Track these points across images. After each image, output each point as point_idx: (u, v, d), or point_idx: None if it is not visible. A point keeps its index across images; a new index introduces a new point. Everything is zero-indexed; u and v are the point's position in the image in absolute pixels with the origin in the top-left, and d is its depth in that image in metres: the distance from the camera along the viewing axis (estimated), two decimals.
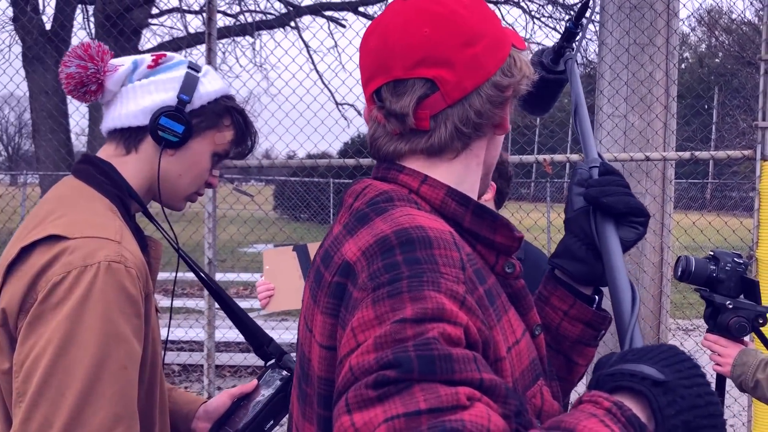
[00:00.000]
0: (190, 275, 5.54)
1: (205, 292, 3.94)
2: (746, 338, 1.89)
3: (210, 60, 3.86)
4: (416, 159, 0.92)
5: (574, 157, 3.81)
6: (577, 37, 1.29)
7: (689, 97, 16.94)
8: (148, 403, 1.21)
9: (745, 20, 19.33)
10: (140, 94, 1.27)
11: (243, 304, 7.46)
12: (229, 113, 1.34)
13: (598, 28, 4.41)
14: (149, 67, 1.29)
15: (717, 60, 25.23)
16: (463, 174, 0.94)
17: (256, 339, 1.46)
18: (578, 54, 1.30)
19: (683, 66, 27.12)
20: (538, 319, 0.97)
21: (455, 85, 0.88)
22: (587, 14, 1.31)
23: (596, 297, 1.08)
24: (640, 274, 3.92)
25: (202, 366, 4.28)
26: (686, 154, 3.64)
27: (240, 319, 1.47)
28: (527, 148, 17.75)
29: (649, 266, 3.91)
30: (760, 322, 1.79)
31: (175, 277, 1.39)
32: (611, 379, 0.74)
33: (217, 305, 6.32)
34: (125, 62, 1.28)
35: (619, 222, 0.99)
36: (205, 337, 3.96)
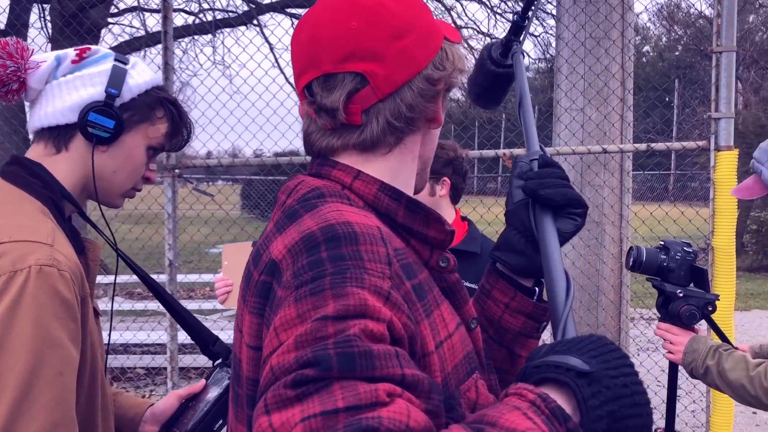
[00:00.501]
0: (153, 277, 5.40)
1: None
2: (698, 326, 1.92)
3: (167, 59, 3.81)
4: (349, 154, 0.92)
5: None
6: (524, 31, 1.29)
7: (650, 90, 17.22)
8: (90, 409, 1.18)
9: (702, 14, 19.71)
10: (66, 90, 1.23)
11: (207, 304, 7.36)
12: (161, 105, 1.31)
13: (555, 23, 4.46)
14: (73, 62, 1.25)
15: (676, 53, 25.70)
16: (398, 169, 0.93)
17: (201, 339, 1.44)
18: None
19: (644, 59, 27.55)
20: (473, 313, 0.97)
21: (385, 78, 0.87)
22: (533, 8, 1.32)
23: (537, 289, 1.08)
24: (600, 265, 3.97)
25: (166, 368, 4.22)
26: (642, 146, 3.69)
27: (184, 319, 1.44)
28: (487, 143, 17.86)
29: (609, 257, 3.96)
30: (710, 309, 1.82)
31: (115, 278, 1.36)
32: (537, 371, 0.74)
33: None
34: (48, 58, 1.24)
35: (557, 214, 0.99)
36: (168, 339, 3.91)
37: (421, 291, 0.83)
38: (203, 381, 1.43)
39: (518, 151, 3.96)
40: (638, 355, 4.69)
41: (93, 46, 1.29)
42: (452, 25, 1.03)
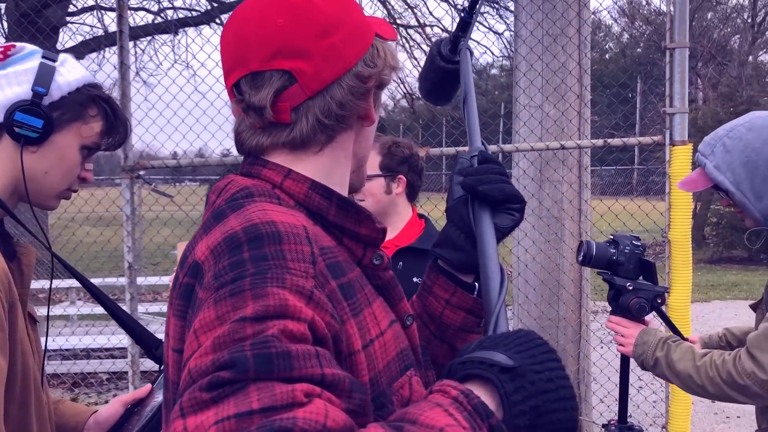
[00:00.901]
0: (112, 280, 5.42)
1: (127, 297, 3.82)
2: (649, 318, 1.95)
3: (123, 58, 3.75)
4: (280, 153, 0.91)
5: (493, 147, 3.86)
6: (470, 27, 1.29)
7: (613, 86, 17.46)
8: (23, 420, 1.15)
9: (662, 11, 20.06)
10: None
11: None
12: (94, 103, 1.27)
13: (513, 20, 4.49)
14: None
15: (638, 50, 26.10)
16: (331, 167, 0.93)
17: (144, 343, 1.41)
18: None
19: (607, 56, 27.94)
20: (409, 309, 0.97)
21: (313, 76, 0.86)
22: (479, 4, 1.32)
23: (477, 284, 1.09)
24: (560, 260, 4.02)
25: (127, 373, 4.16)
26: (599, 142, 3.74)
27: (125, 323, 1.42)
28: (462, 140, 17.97)
29: (568, 252, 4.01)
30: (659, 301, 1.85)
31: (51, 282, 1.33)
32: (462, 367, 0.74)
33: (141, 310, 6.16)
34: None
35: (495, 209, 1.00)
36: (129, 342, 3.85)
37: (349, 289, 0.83)
38: (149, 386, 1.40)
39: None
40: (600, 347, 4.75)
41: (18, 44, 1.25)
42: (388, 21, 1.02)
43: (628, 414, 4.77)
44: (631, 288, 1.86)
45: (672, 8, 3.48)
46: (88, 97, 1.27)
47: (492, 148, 3.83)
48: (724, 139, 1.73)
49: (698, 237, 13.92)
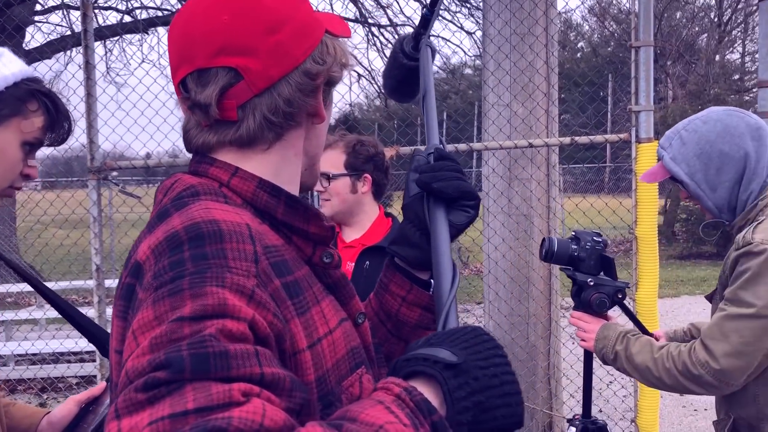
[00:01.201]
0: (79, 282, 5.32)
1: (95, 299, 3.77)
2: (611, 313, 1.97)
3: (88, 58, 3.70)
4: (228, 151, 0.90)
5: (462, 146, 3.87)
6: (431, 23, 1.29)
7: (585, 85, 17.65)
8: None
9: (630, 10, 20.34)
10: None
11: None
12: (34, 97, 1.24)
13: (482, 20, 4.51)
14: None
15: (610, 49, 26.39)
16: (280, 165, 0.92)
17: (97, 340, 1.39)
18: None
19: (579, 55, 28.21)
20: (361, 307, 0.97)
21: (260, 73, 0.86)
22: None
23: (433, 281, 1.09)
24: (530, 257, 4.05)
25: (96, 376, 4.10)
26: (566, 140, 3.77)
27: (77, 322, 1.39)
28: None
29: (538, 249, 4.04)
30: (619, 297, 1.87)
31: None
32: (407, 364, 0.74)
33: (110, 312, 6.08)
34: None
35: (450, 206, 1.00)
36: None
37: (295, 288, 0.82)
38: (103, 383, 1.38)
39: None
40: (570, 343, 4.80)
41: None
42: (342, 18, 1.02)
43: (599, 409, 4.81)
44: (592, 283, 1.88)
45: (637, 8, 3.52)
46: (27, 91, 1.23)
47: (461, 146, 3.85)
48: (681, 132, 1.76)
49: (668, 233, 14.14)
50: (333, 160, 2.32)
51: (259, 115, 0.87)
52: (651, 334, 1.99)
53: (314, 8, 0.97)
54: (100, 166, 3.67)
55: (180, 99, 0.90)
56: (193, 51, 0.86)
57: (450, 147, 3.95)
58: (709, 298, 1.76)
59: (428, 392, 0.71)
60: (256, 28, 0.86)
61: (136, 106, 4.39)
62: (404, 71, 1.26)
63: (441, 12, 12.49)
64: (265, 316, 0.71)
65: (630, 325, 2.01)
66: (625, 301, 1.93)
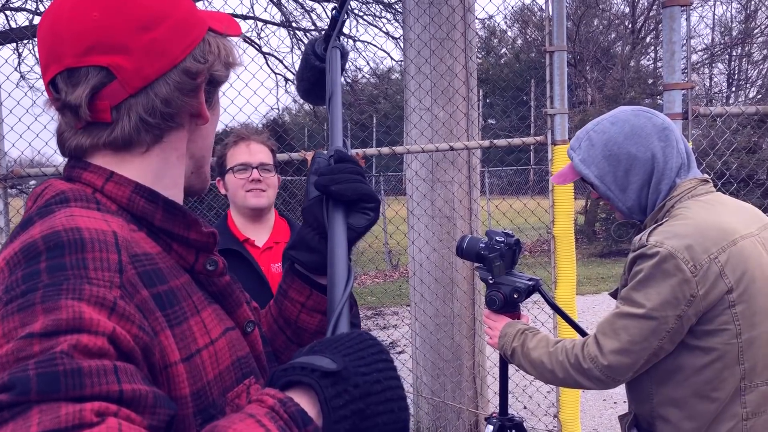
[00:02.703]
0: None
1: None
2: (523, 311, 2.01)
3: None
4: (103, 155, 0.86)
5: (385, 149, 3.90)
6: (339, 25, 1.28)
7: (507, 89, 18.06)
8: None
9: (545, 16, 20.97)
10: None
11: None
12: None
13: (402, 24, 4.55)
14: None
15: (532, 54, 27.11)
16: (161, 169, 0.88)
17: None
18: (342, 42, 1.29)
19: (503, 61, 28.85)
20: (250, 316, 0.94)
21: (134, 72, 0.82)
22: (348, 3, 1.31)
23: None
24: (453, 258, 4.10)
25: None
26: (486, 143, 3.84)
27: None
28: (369, 142, 18.10)
29: None
30: (515, 297, 1.89)
31: None
32: (284, 374, 0.71)
33: None
34: None
35: (350, 209, 0.99)
36: None
37: (170, 298, 0.79)
38: None
39: (370, 151, 4.02)
40: None
41: None
42: (231, 17, 0.99)
43: (523, 405, 4.90)
44: (491, 282, 1.91)
45: (551, 13, 3.63)
46: None
47: (384, 150, 3.87)
48: (590, 133, 1.75)
49: (589, 232, 14.62)
50: (266, 154, 2.33)
51: (134, 116, 0.83)
52: (579, 327, 2.02)
53: (202, 7, 0.94)
54: (7, 174, 3.50)
55: (51, 100, 0.85)
56: (62, 49, 0.82)
57: (373, 150, 3.97)
58: (614, 295, 1.80)
59: (305, 402, 0.68)
60: (129, 25, 0.82)
61: (46, 111, 4.21)
62: (316, 73, 1.24)
63: (364, 16, 12.54)
64: (129, 329, 0.68)
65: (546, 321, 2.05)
66: (551, 296, 1.97)
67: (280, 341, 1.09)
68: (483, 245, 1.91)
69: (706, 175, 1.75)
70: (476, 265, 1.97)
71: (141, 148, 0.86)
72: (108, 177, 0.84)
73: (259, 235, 2.35)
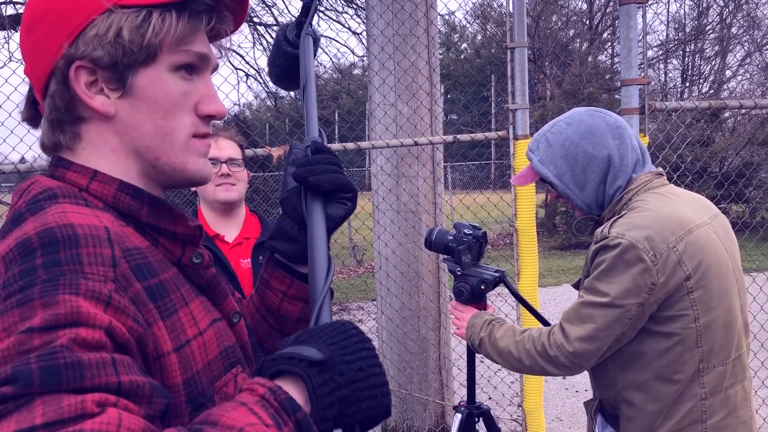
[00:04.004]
0: None
1: None
2: (489, 303, 2.05)
3: None
4: (65, 153, 0.89)
5: (350, 144, 3.91)
6: (311, 11, 1.28)
7: (468, 85, 18.22)
8: None
9: (506, 12, 21.20)
10: None
11: None
12: None
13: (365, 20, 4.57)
14: None
15: (492, 50, 27.38)
16: (105, 165, 0.87)
17: None
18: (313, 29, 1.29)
19: (463, 56, 29.06)
20: (236, 307, 0.96)
21: (32, 77, 0.86)
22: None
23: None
24: (418, 252, 4.15)
25: None
26: (449, 138, 3.89)
27: None
28: (332, 138, 18.08)
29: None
30: (482, 288, 1.95)
31: None
32: (273, 363, 0.74)
33: None
34: None
35: (328, 199, 1.00)
36: None
37: (160, 291, 0.81)
38: None
39: (335, 147, 4.03)
40: None
41: None
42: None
43: (488, 396, 4.97)
44: (459, 273, 1.95)
45: (512, 9, 3.69)
46: None
47: (350, 145, 3.89)
48: (547, 134, 1.81)
49: (549, 225, 14.86)
50: (234, 149, 2.35)
51: (47, 117, 0.86)
52: (542, 318, 2.07)
53: None
54: None
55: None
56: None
57: (338, 146, 3.98)
58: (576, 286, 1.86)
59: (293, 391, 0.71)
60: (23, 32, 0.86)
61: (3, 107, 4.12)
62: (288, 59, 1.24)
63: (326, 11, 12.51)
64: (124, 321, 0.70)
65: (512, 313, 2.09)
66: (516, 288, 2.01)
67: (264, 330, 1.12)
68: (451, 237, 1.95)
69: (660, 169, 1.82)
70: (444, 257, 2.01)
71: (67, 147, 0.87)
72: (92, 176, 0.85)
73: (229, 230, 2.36)
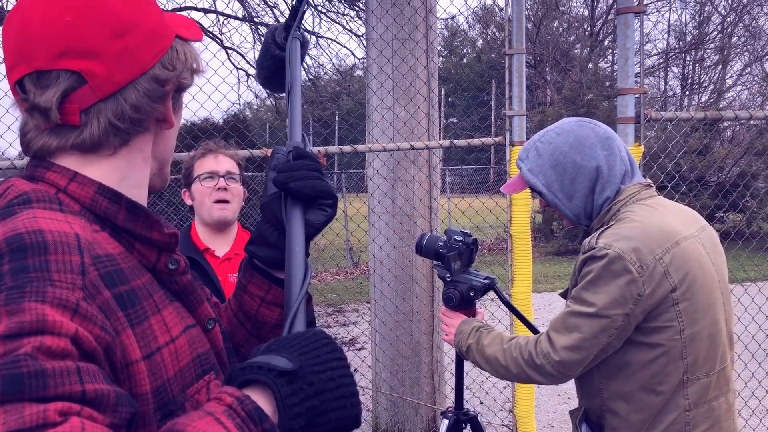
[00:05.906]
0: None
1: None
2: (479, 309, 2.06)
3: None
4: (69, 155, 0.86)
5: (347, 147, 3.92)
6: (299, 14, 1.28)
7: (469, 89, 18.25)
8: None
9: (505, 18, 21.26)
10: None
11: None
12: None
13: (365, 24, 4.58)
14: None
15: (493, 55, 27.41)
16: (126, 170, 0.90)
17: None
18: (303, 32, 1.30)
19: (465, 61, 29.10)
20: (210, 313, 0.96)
21: (106, 78, 0.83)
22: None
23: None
24: (413, 256, 4.16)
25: None
26: (446, 142, 3.90)
27: None
28: (331, 140, 18.08)
29: None
30: (471, 294, 1.95)
31: None
32: (242, 373, 0.74)
33: None
34: None
35: (308, 205, 1.01)
36: None
37: (131, 298, 0.80)
38: None
39: (332, 149, 4.04)
40: None
41: None
42: (194, 21, 1.00)
43: (479, 401, 4.98)
44: (449, 279, 1.96)
45: (511, 16, 3.70)
46: None
47: (346, 148, 3.90)
48: (537, 144, 1.81)
49: (546, 231, 14.87)
50: (233, 165, 2.40)
51: (104, 120, 0.85)
52: (531, 326, 2.08)
53: (163, 8, 0.96)
54: None
55: (17, 100, 0.86)
56: (32, 51, 0.82)
57: (335, 149, 3.99)
58: (564, 295, 1.86)
59: (261, 400, 0.71)
60: (102, 31, 0.83)
61: (11, 111, 4.12)
62: (276, 61, 1.25)
63: (327, 13, 12.50)
64: (91, 329, 0.69)
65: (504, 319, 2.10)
66: (505, 295, 2.02)
67: (240, 335, 1.12)
68: (442, 244, 1.95)
69: (649, 180, 1.83)
70: (435, 263, 2.01)
71: (108, 150, 0.87)
72: (72, 177, 0.85)
73: (219, 245, 2.40)
